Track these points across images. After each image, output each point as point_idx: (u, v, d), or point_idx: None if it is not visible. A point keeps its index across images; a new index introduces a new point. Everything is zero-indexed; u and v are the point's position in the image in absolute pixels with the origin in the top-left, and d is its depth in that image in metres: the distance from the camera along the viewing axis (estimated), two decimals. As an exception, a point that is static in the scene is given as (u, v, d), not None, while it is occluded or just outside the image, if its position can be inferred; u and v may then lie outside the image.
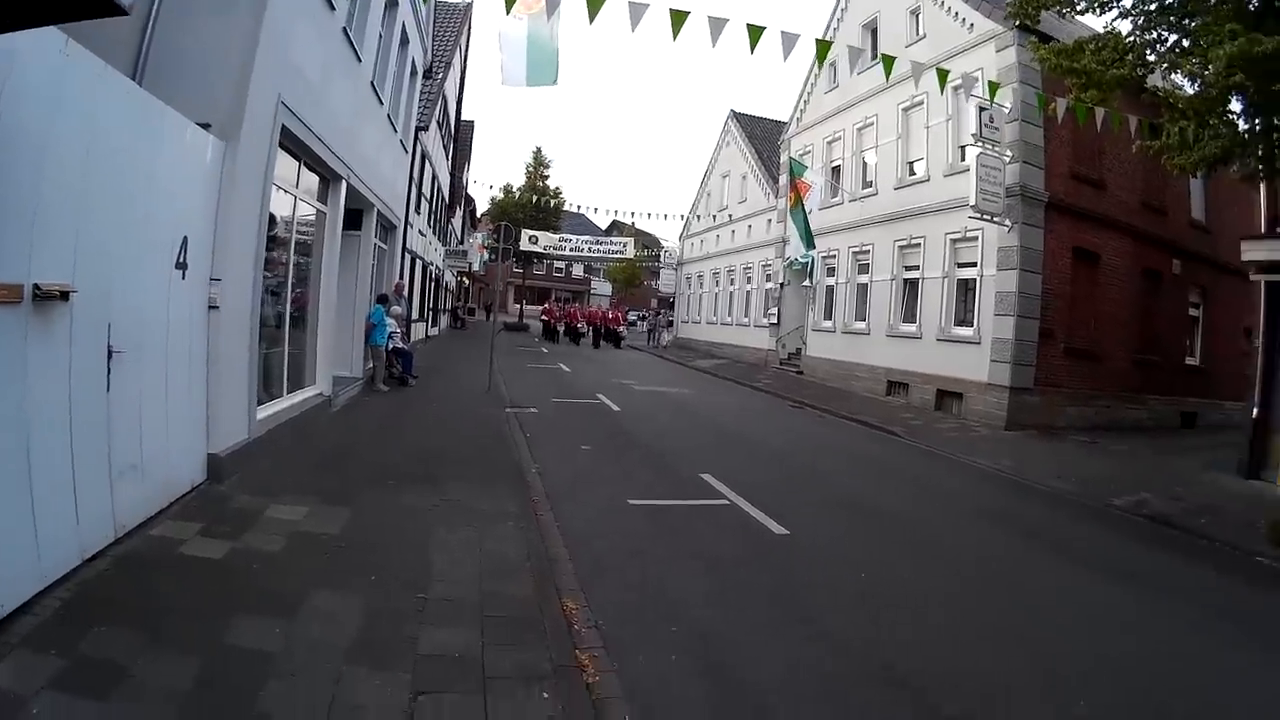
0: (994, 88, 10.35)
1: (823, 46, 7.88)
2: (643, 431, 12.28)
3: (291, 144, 7.89)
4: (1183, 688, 4.47)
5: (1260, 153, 9.90)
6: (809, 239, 21.90)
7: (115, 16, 2.98)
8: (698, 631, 4.69)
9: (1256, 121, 9.79)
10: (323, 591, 4.54)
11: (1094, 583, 6.46)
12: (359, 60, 10.33)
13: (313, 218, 9.71)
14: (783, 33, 7.71)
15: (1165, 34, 10.14)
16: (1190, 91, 10.45)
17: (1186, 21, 9.83)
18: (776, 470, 10.12)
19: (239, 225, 6.56)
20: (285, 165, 8.10)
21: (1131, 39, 10.19)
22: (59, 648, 3.49)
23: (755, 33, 7.55)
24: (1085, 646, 4.92)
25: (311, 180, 9.40)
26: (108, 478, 4.76)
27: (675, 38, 7.31)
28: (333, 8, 8.73)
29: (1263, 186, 11.38)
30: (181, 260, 5.66)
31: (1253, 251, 11.12)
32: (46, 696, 3.12)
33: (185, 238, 5.68)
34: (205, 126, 5.90)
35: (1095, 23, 14.87)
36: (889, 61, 9.02)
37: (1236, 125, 10.05)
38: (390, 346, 13.65)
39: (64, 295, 4.17)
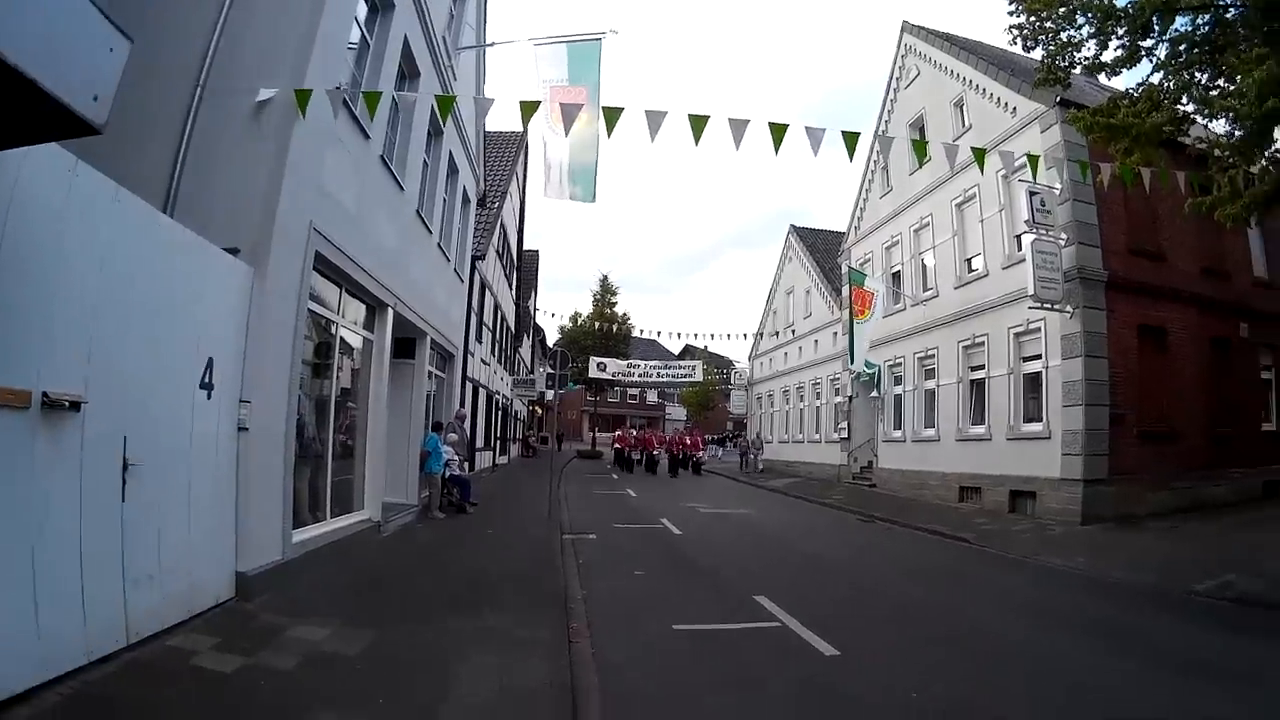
0: (1034, 160, 10.23)
1: (850, 138, 7.83)
2: (702, 554, 11.79)
3: (329, 270, 8.17)
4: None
5: None
6: (859, 351, 21.63)
7: (90, 136, 3.06)
8: None
9: None
10: (326, 713, 4.32)
11: (1175, 683, 5.73)
12: (401, 189, 10.76)
13: (359, 345, 9.93)
14: (807, 128, 7.72)
15: (1197, 75, 9.95)
16: (1233, 135, 10.10)
17: (1216, 56, 9.63)
18: (835, 588, 9.53)
19: (272, 349, 6.72)
20: (326, 291, 8.39)
21: (1165, 83, 10.00)
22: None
23: (779, 131, 7.59)
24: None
25: (356, 307, 9.69)
26: (121, 584, 4.78)
27: (697, 143, 7.42)
28: (367, 136, 9.07)
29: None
30: (206, 380, 5.78)
31: None
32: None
33: (211, 359, 5.83)
34: (233, 251, 6.13)
35: (1129, 81, 14.86)
36: (920, 148, 9.00)
37: None
38: (447, 474, 13.65)
39: (74, 405, 4.29)
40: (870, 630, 7.26)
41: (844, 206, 22.80)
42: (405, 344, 11.92)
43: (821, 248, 33.10)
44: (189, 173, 6.17)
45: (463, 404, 18.10)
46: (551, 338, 55.11)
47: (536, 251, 39.70)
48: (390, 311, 10.42)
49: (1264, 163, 9.71)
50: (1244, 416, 16.87)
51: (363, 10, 8.85)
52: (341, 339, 9.18)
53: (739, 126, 7.54)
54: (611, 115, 7.28)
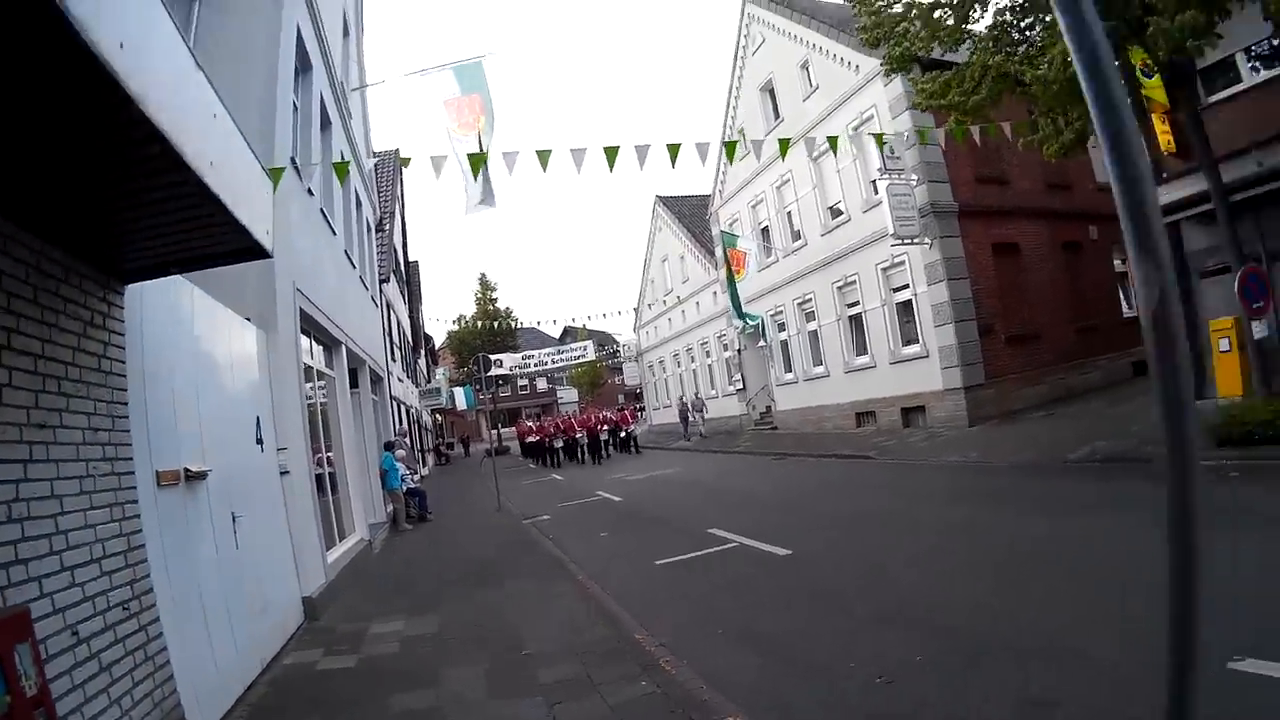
0: (880, 139, 11.93)
1: (731, 147, 9.43)
2: (647, 510, 13.44)
3: (305, 323, 9.17)
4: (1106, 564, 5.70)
5: None
6: (741, 307, 23.35)
7: (261, 260, 4.20)
8: (735, 627, 6.00)
9: None
10: (449, 667, 5.64)
11: (1042, 523, 7.83)
12: (334, 233, 11.70)
13: (325, 387, 10.93)
14: (696, 144, 9.28)
15: (1016, 48, 11.56)
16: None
17: (1030, 31, 11.47)
18: (771, 513, 11.31)
19: (288, 400, 7.78)
20: (302, 340, 9.38)
21: (990, 59, 11.49)
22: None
23: (674, 149, 9.09)
24: (1024, 568, 6.25)
25: (320, 351, 10.66)
26: (248, 617, 5.85)
27: (611, 169, 8.82)
28: (311, 193, 10.04)
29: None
30: (259, 436, 6.85)
31: None
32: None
33: (258, 417, 6.89)
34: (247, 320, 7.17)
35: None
36: (784, 145, 10.61)
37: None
38: (405, 488, 14.69)
39: (201, 475, 5.36)
40: (807, 535, 9.11)
41: (703, 174, 23.76)
42: (351, 375, 12.87)
43: (689, 214, 34.58)
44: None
45: (400, 421, 18.99)
46: (439, 341, 55.34)
47: (417, 262, 40.00)
48: (344, 348, 11.44)
49: (1073, 110, 11.30)
50: (1103, 308, 19.37)
51: (292, 78, 9.72)
52: (316, 379, 10.19)
53: (642, 151, 9.00)
54: (476, 161, 8.60)
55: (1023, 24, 11.59)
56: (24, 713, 2.53)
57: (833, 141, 10.70)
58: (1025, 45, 11.60)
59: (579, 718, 4.45)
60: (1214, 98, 11.60)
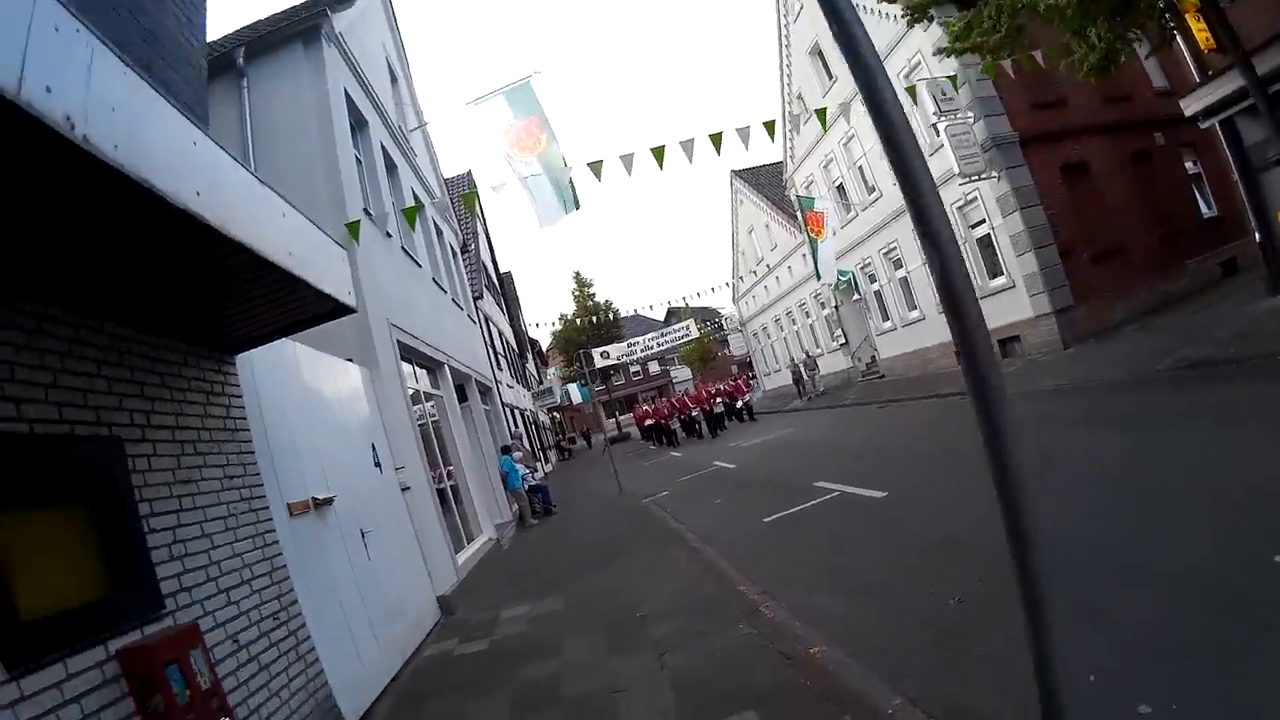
0: (912, 91, 11.69)
1: (770, 126, 9.50)
2: (759, 473, 13.84)
3: (404, 351, 10.05)
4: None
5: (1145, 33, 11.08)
6: (828, 267, 23.19)
7: (348, 315, 4.91)
8: (830, 569, 6.40)
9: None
10: (571, 638, 6.30)
11: (1117, 440, 7.85)
12: (419, 265, 12.65)
13: (434, 406, 11.85)
14: (737, 130, 9.43)
15: None
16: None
17: None
18: (870, 460, 11.55)
19: (398, 424, 8.63)
20: (404, 367, 10.26)
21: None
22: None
23: (717, 139, 9.26)
24: (1096, 488, 6.35)
25: (423, 375, 11.58)
26: (385, 618, 6.69)
27: (661, 168, 9.13)
28: (390, 235, 10.97)
29: (1179, 48, 12.30)
30: (376, 460, 7.69)
31: (1192, 104, 12.11)
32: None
33: (373, 444, 7.73)
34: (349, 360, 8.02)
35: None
36: (822, 115, 10.70)
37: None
38: (527, 486, 15.60)
39: (329, 501, 6.17)
40: (903, 476, 9.35)
41: (774, 144, 23.77)
42: (458, 391, 13.81)
43: (765, 182, 34.45)
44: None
45: (515, 425, 20.05)
46: (546, 344, 57.03)
47: (510, 273, 41.43)
48: (446, 368, 12.36)
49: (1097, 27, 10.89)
50: (1183, 212, 18.56)
51: (349, 136, 10.61)
52: (425, 400, 11.10)
53: (688, 146, 9.15)
54: (596, 165, 9.05)
55: None
56: (200, 703, 3.26)
57: (911, 92, 10.71)
58: None
59: (684, 662, 4.99)
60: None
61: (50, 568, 3.01)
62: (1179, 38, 11.64)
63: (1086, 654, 3.56)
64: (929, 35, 17.19)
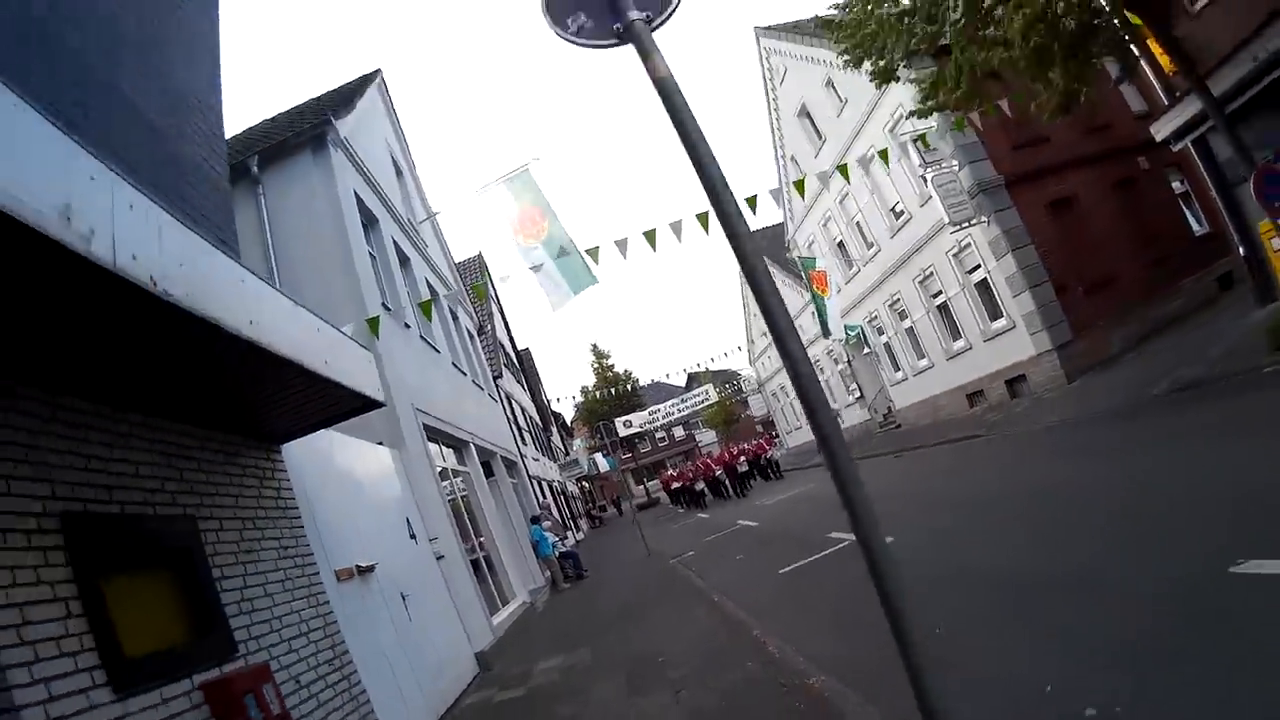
0: (884, 156, 12.22)
1: (751, 201, 10.08)
2: (779, 528, 14.30)
3: (430, 433, 10.75)
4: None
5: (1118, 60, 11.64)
6: (835, 324, 23.67)
7: (378, 409, 5.63)
8: (835, 612, 6.97)
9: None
10: (598, 683, 6.86)
11: (1120, 463, 8.28)
12: (437, 352, 13.43)
13: (463, 482, 12.49)
14: (746, 199, 9.96)
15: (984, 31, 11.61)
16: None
17: (990, 17, 11.38)
18: (882, 508, 11.93)
19: (429, 500, 9.28)
20: (430, 448, 10.94)
21: (961, 55, 11.48)
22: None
23: (704, 219, 9.82)
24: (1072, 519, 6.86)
25: (450, 453, 12.26)
26: (428, 671, 7.27)
27: (655, 250, 9.78)
28: (408, 326, 11.74)
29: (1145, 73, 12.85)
30: (411, 533, 8.32)
31: (1163, 128, 12.57)
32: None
33: (407, 518, 8.37)
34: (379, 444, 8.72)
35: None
36: (844, 170, 11.38)
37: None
38: (557, 553, 16.10)
39: (370, 568, 6.79)
40: (911, 523, 9.72)
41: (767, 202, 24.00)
42: (484, 466, 14.45)
43: (768, 244, 35.20)
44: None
45: (543, 496, 20.61)
46: (570, 416, 57.69)
47: (528, 349, 42.36)
48: (471, 446, 13.03)
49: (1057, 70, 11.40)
50: (1173, 233, 18.71)
51: (362, 235, 11.41)
52: (453, 476, 11.76)
53: (676, 227, 9.83)
54: (593, 251, 9.76)
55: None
56: (274, 725, 3.89)
57: (883, 155, 11.40)
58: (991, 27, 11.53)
59: (698, 696, 5.51)
60: (1197, 4, 11.23)
61: (145, 618, 3.67)
62: (1143, 64, 12.13)
63: (1044, 665, 4.07)
64: (908, 89, 17.53)
